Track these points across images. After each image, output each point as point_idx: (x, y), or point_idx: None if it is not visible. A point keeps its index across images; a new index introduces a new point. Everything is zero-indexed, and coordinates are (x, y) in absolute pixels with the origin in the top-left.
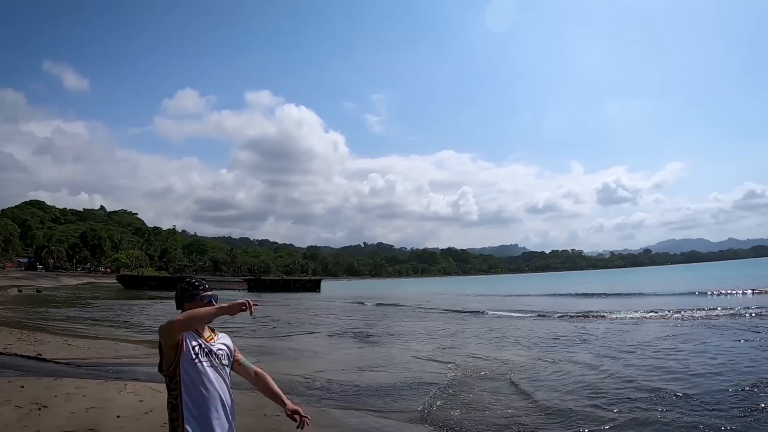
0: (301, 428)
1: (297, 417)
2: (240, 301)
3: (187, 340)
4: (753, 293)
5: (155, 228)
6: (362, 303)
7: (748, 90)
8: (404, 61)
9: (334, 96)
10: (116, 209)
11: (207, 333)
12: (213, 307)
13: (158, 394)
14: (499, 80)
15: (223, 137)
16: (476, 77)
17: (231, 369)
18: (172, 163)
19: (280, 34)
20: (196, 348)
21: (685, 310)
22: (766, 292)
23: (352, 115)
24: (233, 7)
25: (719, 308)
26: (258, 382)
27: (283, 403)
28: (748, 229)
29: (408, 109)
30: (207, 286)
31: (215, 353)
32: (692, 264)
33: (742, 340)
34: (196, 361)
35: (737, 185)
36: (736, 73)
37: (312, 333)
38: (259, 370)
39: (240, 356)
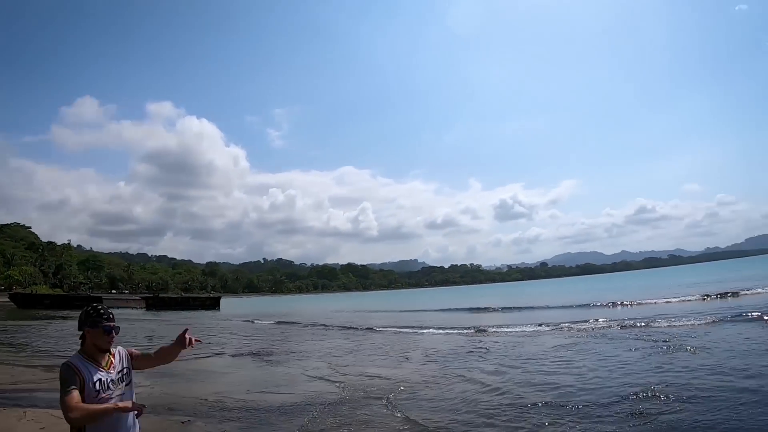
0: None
1: (185, 339)
2: (134, 405)
3: (88, 382)
4: (642, 303)
5: (49, 243)
6: (262, 321)
7: (638, 112)
8: (308, 76)
9: (236, 109)
10: (8, 222)
11: (105, 359)
12: (111, 407)
13: (60, 421)
14: (401, 98)
15: (122, 148)
16: (378, 95)
17: (134, 370)
18: (68, 175)
19: (183, 44)
20: (98, 384)
21: (578, 322)
22: (655, 302)
23: (254, 129)
24: (137, 15)
25: (610, 319)
26: (159, 356)
27: (179, 345)
28: (640, 242)
29: (310, 125)
30: (112, 316)
31: (116, 381)
32: (587, 276)
33: (633, 349)
34: (99, 397)
35: (629, 201)
36: (627, 96)
37: (212, 353)
38: (154, 350)
39: (137, 352)
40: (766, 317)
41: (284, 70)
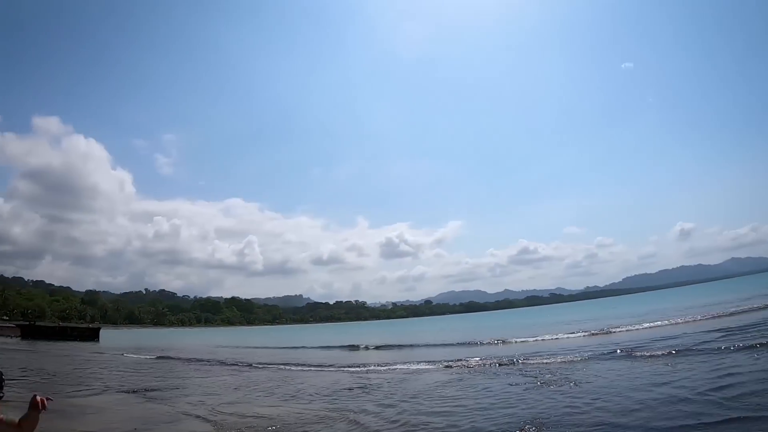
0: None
1: (38, 402)
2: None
3: None
4: (523, 341)
5: None
6: (143, 355)
7: (524, 159)
8: (201, 103)
9: (125, 131)
10: None
11: None
12: None
13: None
14: (294, 133)
15: (3, 163)
16: (272, 128)
17: None
18: None
19: (75, 57)
20: None
21: (461, 359)
22: (534, 339)
23: (142, 153)
24: (30, 23)
25: (492, 356)
26: (24, 426)
27: (34, 410)
28: (522, 281)
29: (200, 153)
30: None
31: None
32: (471, 313)
33: (512, 384)
34: None
35: (512, 242)
36: (514, 142)
37: (91, 390)
38: (21, 417)
39: (1, 416)
40: (637, 353)
41: (178, 95)
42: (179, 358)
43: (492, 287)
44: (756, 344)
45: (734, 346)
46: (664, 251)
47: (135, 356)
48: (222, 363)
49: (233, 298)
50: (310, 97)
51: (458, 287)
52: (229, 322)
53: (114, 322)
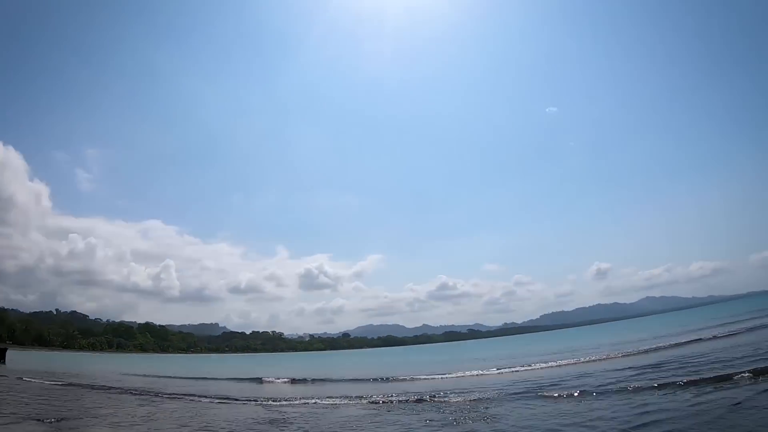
0: None
1: None
2: None
3: None
4: (438, 377)
5: None
6: (52, 380)
7: (446, 197)
8: (128, 120)
9: (45, 141)
10: None
11: None
12: None
13: None
14: (216, 156)
15: None
16: (194, 150)
17: None
18: None
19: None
20: None
21: (377, 394)
22: (450, 376)
23: (62, 166)
24: None
25: (407, 391)
26: None
27: None
28: (440, 317)
29: (122, 171)
30: None
31: None
32: (388, 348)
33: (427, 421)
34: None
35: (432, 278)
36: (436, 181)
37: None
38: None
39: None
40: (551, 391)
41: (105, 110)
42: (89, 386)
43: (410, 322)
44: (668, 383)
45: (646, 385)
46: (581, 290)
47: (43, 381)
48: (133, 392)
49: (147, 324)
50: (236, 122)
51: (377, 321)
52: (143, 349)
53: (22, 343)
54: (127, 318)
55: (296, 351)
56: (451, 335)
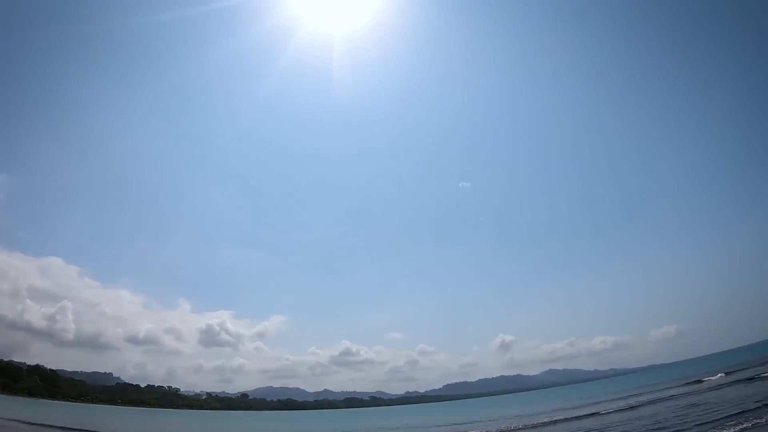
0: None
1: None
2: None
3: None
4: None
5: None
6: None
7: (352, 261)
8: (38, 146)
9: None
10: None
11: None
12: None
13: None
14: (127, 198)
15: None
16: (104, 188)
17: None
18: None
19: None
20: None
21: None
22: None
23: None
24: None
25: None
26: None
27: None
28: (342, 382)
29: (28, 201)
30: None
31: None
32: (287, 411)
33: None
34: None
35: (335, 343)
36: (345, 245)
37: None
38: None
39: None
40: None
41: (17, 133)
42: None
43: (312, 386)
44: None
45: None
46: (485, 361)
47: None
48: None
49: (37, 367)
50: (151, 165)
51: (277, 383)
52: (30, 393)
53: None
54: (16, 358)
55: (192, 408)
56: (353, 402)
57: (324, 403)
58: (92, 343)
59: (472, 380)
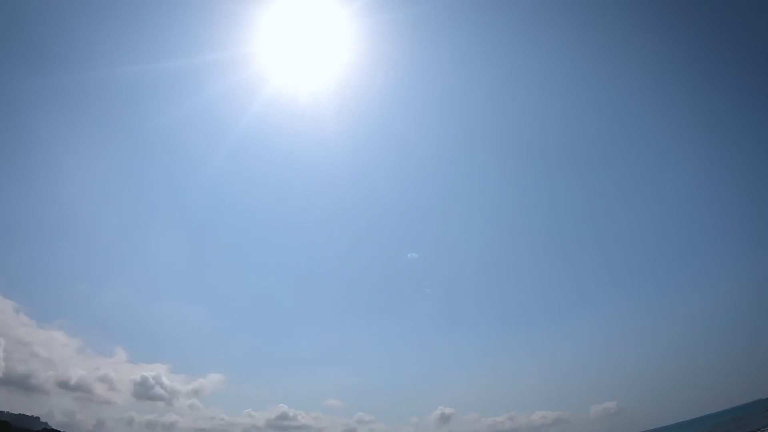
0: None
1: None
2: None
3: None
4: None
5: None
6: None
7: (293, 324)
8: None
9: None
10: None
11: None
12: None
13: None
14: (70, 236)
15: None
16: (46, 224)
17: None
18: None
19: None
20: None
21: None
22: None
23: None
24: None
25: None
26: None
27: None
28: None
29: None
30: None
31: None
32: None
33: None
34: None
35: (272, 405)
36: (288, 308)
37: None
38: None
39: None
40: None
41: None
42: None
43: None
44: None
45: None
46: None
47: None
48: None
49: None
50: (100, 207)
51: None
52: None
53: None
54: None
55: None
56: None
57: None
58: (21, 384)
59: None
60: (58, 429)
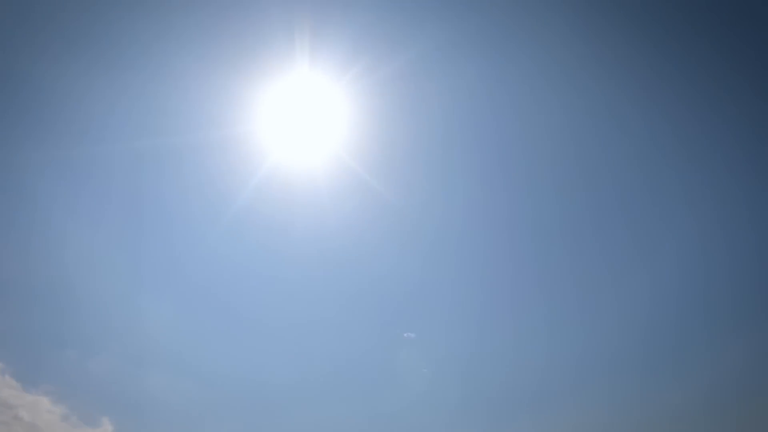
0: None
1: None
2: None
3: None
4: None
5: None
6: None
7: (285, 399)
8: None
9: None
10: None
11: None
12: None
13: None
14: (60, 300)
15: None
16: (38, 285)
17: None
18: None
19: None
20: None
21: None
22: None
23: None
24: None
25: None
26: None
27: None
28: None
29: None
30: None
31: None
32: None
33: None
34: None
35: None
36: (277, 382)
37: None
38: None
39: None
40: None
41: None
42: None
43: None
44: None
45: None
46: None
47: None
48: None
49: None
50: (93, 273)
51: None
52: None
53: None
54: None
55: None
56: None
57: None
58: None
59: None
60: None
